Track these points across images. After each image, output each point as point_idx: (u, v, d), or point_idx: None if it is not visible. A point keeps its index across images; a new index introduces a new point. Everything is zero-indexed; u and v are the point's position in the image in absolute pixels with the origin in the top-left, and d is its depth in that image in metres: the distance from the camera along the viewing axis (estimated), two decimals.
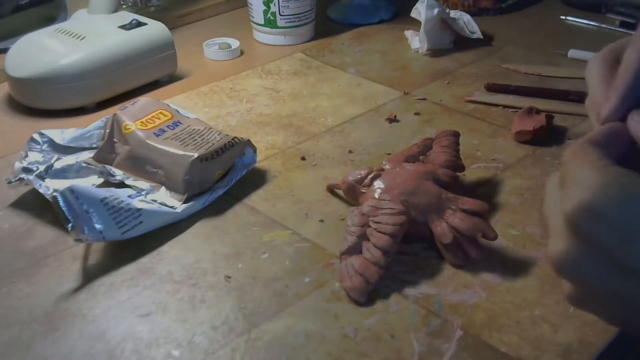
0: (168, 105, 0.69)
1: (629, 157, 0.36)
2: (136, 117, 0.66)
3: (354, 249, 0.53)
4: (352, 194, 0.60)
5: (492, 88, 0.80)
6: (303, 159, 0.69)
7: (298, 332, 0.49)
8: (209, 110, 0.79)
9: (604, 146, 0.35)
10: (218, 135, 0.64)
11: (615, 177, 0.32)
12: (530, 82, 0.82)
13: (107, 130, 0.66)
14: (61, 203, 0.53)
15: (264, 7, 0.93)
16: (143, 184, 0.63)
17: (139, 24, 0.84)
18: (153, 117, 0.66)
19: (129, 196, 0.59)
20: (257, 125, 0.75)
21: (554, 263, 0.34)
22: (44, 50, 0.79)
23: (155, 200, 0.61)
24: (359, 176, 0.60)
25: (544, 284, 0.52)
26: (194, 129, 0.65)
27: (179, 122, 0.66)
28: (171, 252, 0.57)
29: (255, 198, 0.63)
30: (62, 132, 0.67)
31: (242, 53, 0.94)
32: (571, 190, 0.33)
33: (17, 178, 0.61)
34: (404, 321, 0.49)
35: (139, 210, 0.57)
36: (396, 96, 0.81)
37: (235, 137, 0.64)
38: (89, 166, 0.65)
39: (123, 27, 0.83)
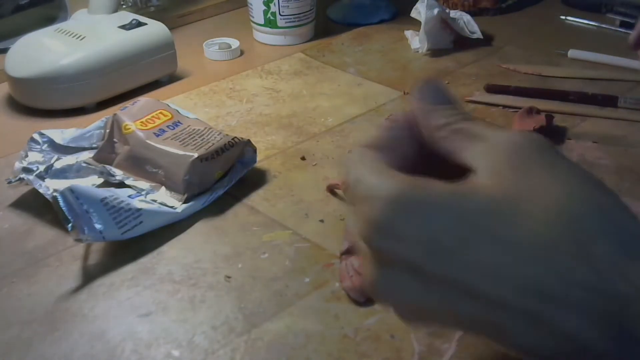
0: (168, 105, 0.69)
1: (412, 162, 0.33)
2: (136, 117, 0.66)
3: (354, 249, 0.53)
4: None
5: (492, 89, 0.80)
6: (303, 159, 0.69)
7: (298, 332, 0.49)
8: (209, 110, 0.79)
9: (386, 152, 0.33)
10: (218, 135, 0.64)
11: (406, 186, 0.30)
12: (530, 82, 0.82)
13: (107, 130, 0.66)
14: (61, 203, 0.53)
15: (264, 7, 0.93)
16: (143, 184, 0.63)
17: (139, 24, 0.84)
18: (153, 117, 0.66)
19: (129, 196, 0.59)
20: (257, 125, 0.75)
21: (370, 290, 0.32)
22: (44, 50, 0.79)
23: (155, 200, 0.61)
24: None
25: None
26: (194, 129, 0.65)
27: (179, 122, 0.66)
28: (171, 252, 0.57)
29: (255, 198, 0.63)
30: (62, 132, 0.67)
31: (242, 53, 0.94)
32: (360, 204, 0.30)
33: (17, 178, 0.61)
34: None
35: (139, 210, 0.57)
36: (396, 96, 0.81)
37: (235, 137, 0.64)
38: (89, 166, 0.65)
39: (123, 27, 0.83)
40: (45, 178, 0.63)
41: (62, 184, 0.61)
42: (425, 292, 0.29)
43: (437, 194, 0.29)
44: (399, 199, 0.29)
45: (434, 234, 0.28)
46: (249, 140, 0.66)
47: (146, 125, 0.65)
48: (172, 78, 0.86)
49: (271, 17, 0.94)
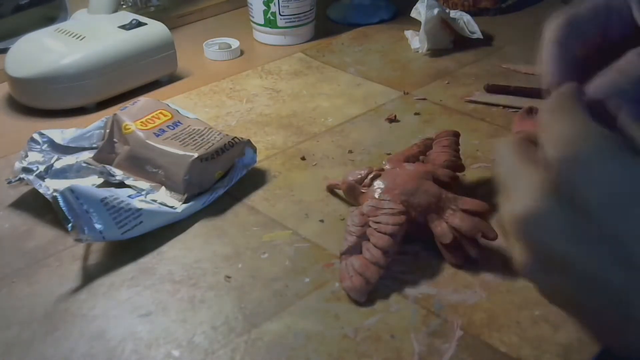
0: (168, 105, 0.69)
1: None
2: (136, 117, 0.66)
3: (354, 249, 0.53)
4: (352, 194, 0.60)
5: (492, 89, 0.80)
6: (303, 159, 0.69)
7: (298, 332, 0.49)
8: (209, 110, 0.79)
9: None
10: (218, 135, 0.64)
11: (605, 135, 0.30)
12: (530, 82, 0.82)
13: (107, 130, 0.66)
14: (61, 203, 0.53)
15: (264, 7, 0.93)
16: (143, 184, 0.63)
17: (139, 24, 0.84)
18: (153, 117, 0.66)
19: (129, 196, 0.59)
20: (257, 125, 0.75)
21: (518, 221, 0.31)
22: (44, 50, 0.79)
23: (155, 200, 0.61)
24: (359, 176, 0.60)
25: None
26: (194, 129, 0.65)
27: (179, 122, 0.66)
28: (171, 252, 0.57)
29: (255, 198, 0.63)
30: (62, 132, 0.67)
31: (242, 53, 0.94)
32: (560, 143, 0.31)
33: (17, 178, 0.61)
34: (404, 321, 0.49)
35: (139, 210, 0.57)
36: (396, 96, 0.81)
37: (235, 137, 0.64)
38: (89, 166, 0.65)
39: (123, 27, 0.83)
40: (45, 178, 0.63)
41: (62, 184, 0.61)
42: (587, 241, 0.29)
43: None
44: (605, 142, 0.29)
45: (612, 186, 0.29)
46: (249, 140, 0.66)
47: (146, 125, 0.65)
48: (172, 78, 0.86)
49: (271, 17, 0.94)
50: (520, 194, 0.32)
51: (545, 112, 0.34)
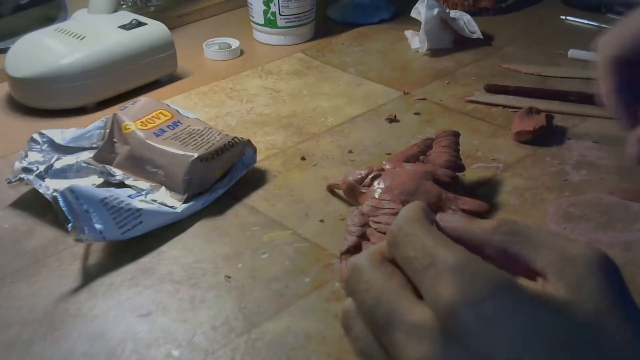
0: (168, 105, 0.69)
1: None
2: (136, 117, 0.66)
3: (354, 249, 0.53)
4: (352, 194, 0.60)
5: (492, 89, 0.80)
6: (303, 159, 0.69)
7: (298, 332, 0.49)
8: (209, 110, 0.79)
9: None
10: (218, 135, 0.64)
11: (494, 275, 0.26)
12: (530, 82, 0.82)
13: (107, 130, 0.66)
14: (61, 203, 0.53)
15: (264, 7, 0.93)
16: (143, 184, 0.63)
17: (139, 24, 0.84)
18: (153, 117, 0.66)
19: (129, 196, 0.59)
20: (257, 125, 0.75)
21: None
22: (44, 50, 0.79)
23: (155, 200, 0.61)
24: (359, 176, 0.60)
25: None
26: (194, 129, 0.65)
27: (179, 122, 0.66)
28: (171, 252, 0.57)
29: (255, 198, 0.63)
30: (62, 132, 0.67)
31: (242, 53, 0.94)
32: (448, 280, 0.26)
33: (17, 178, 0.61)
34: None
35: (139, 210, 0.57)
36: (396, 96, 0.81)
37: (235, 137, 0.64)
38: (89, 166, 0.65)
39: (123, 27, 0.83)
40: (45, 178, 0.63)
41: (62, 184, 0.61)
42: None
43: (530, 297, 0.26)
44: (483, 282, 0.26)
45: (523, 345, 0.25)
46: (249, 140, 0.66)
47: (146, 125, 0.65)
48: (172, 78, 0.86)
49: (271, 17, 0.94)
50: (412, 338, 0.27)
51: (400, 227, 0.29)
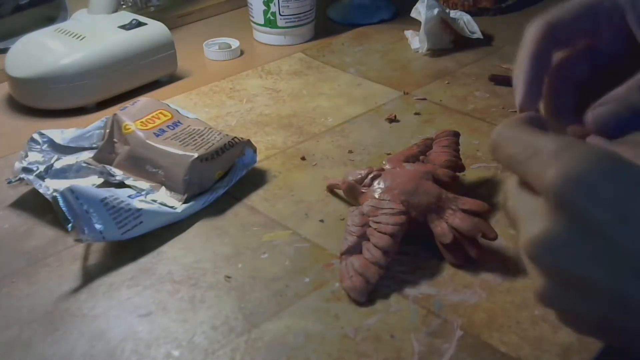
0: (168, 105, 0.69)
1: None
2: (136, 117, 0.66)
3: (354, 249, 0.53)
4: (352, 194, 0.60)
5: (497, 79, 0.81)
6: (303, 159, 0.69)
7: (298, 332, 0.49)
8: (209, 110, 0.79)
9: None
10: (218, 135, 0.64)
11: (596, 150, 0.29)
12: None
13: (107, 130, 0.66)
14: (61, 203, 0.53)
15: (264, 7, 0.93)
16: (143, 184, 0.63)
17: (139, 24, 0.84)
18: (153, 117, 0.66)
19: (129, 196, 0.59)
20: (257, 125, 0.75)
21: (530, 246, 0.30)
22: (44, 50, 0.79)
23: (155, 201, 0.61)
24: (359, 176, 0.60)
25: None
26: (194, 129, 0.65)
27: (179, 122, 0.66)
28: (171, 252, 0.57)
29: (255, 198, 0.63)
30: (62, 132, 0.67)
31: (242, 53, 0.94)
32: (553, 162, 0.29)
33: (17, 178, 0.61)
34: (404, 321, 0.49)
35: (139, 210, 0.57)
36: (396, 96, 0.81)
37: (235, 137, 0.65)
38: (89, 166, 0.65)
39: (123, 27, 0.83)
40: (45, 178, 0.63)
41: (62, 184, 0.61)
42: (595, 261, 0.28)
43: (630, 162, 0.28)
44: (598, 158, 0.28)
45: (630, 201, 0.27)
46: (249, 140, 0.66)
47: (146, 125, 0.65)
48: (172, 78, 0.86)
49: (271, 17, 0.94)
50: (530, 221, 0.30)
51: (500, 134, 0.33)
